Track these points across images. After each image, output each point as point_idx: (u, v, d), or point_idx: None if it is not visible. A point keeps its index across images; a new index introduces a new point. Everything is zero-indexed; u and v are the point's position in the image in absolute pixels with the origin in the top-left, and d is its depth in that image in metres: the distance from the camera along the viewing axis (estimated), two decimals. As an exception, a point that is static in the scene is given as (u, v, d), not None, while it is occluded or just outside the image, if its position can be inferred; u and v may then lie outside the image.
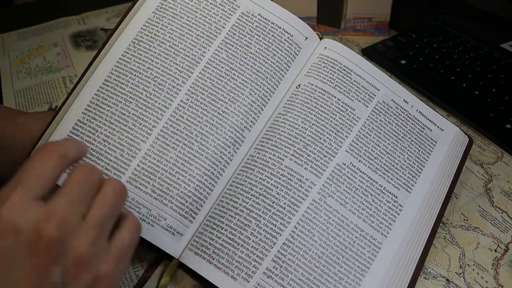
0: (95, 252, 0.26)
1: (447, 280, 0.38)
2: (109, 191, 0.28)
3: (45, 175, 0.26)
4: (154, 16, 0.41)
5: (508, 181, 0.47)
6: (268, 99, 0.41)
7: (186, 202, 0.37)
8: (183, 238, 0.37)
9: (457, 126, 0.45)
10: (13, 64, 0.65)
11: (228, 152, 0.39)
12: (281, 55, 0.42)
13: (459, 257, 0.40)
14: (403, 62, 0.62)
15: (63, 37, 0.71)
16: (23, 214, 0.24)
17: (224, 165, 0.38)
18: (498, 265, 0.39)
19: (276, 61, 0.41)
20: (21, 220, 0.24)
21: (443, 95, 0.56)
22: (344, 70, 0.42)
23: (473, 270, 0.39)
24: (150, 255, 0.40)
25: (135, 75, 0.39)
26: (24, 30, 0.73)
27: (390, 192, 0.39)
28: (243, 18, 0.42)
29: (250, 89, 0.40)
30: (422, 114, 0.43)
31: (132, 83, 0.39)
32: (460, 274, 0.39)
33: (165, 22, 0.41)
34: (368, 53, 0.65)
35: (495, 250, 0.40)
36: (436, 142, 0.43)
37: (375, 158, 0.39)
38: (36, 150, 0.26)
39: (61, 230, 0.24)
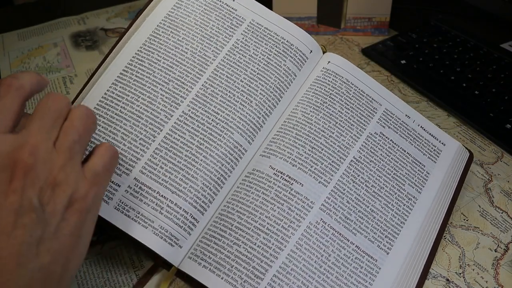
0: (67, 175, 0.27)
1: (447, 280, 0.38)
2: (76, 117, 0.29)
3: (6, 109, 0.28)
4: (159, 29, 0.41)
5: (508, 181, 0.47)
6: (270, 112, 0.41)
7: (187, 214, 0.37)
8: (184, 246, 0.36)
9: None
10: (13, 64, 0.65)
11: (229, 165, 0.39)
12: (287, 68, 0.42)
13: (459, 257, 0.40)
14: (403, 62, 0.62)
15: (63, 37, 0.71)
16: None
17: (225, 177, 0.39)
18: (498, 265, 0.39)
19: (283, 74, 0.42)
20: None
21: (443, 95, 0.56)
22: (347, 84, 0.43)
23: (473, 270, 0.39)
24: (147, 262, 0.39)
25: (138, 86, 0.39)
26: (24, 30, 0.72)
27: (391, 209, 0.39)
28: (248, 32, 0.42)
29: (258, 102, 0.40)
30: (424, 129, 0.44)
31: (135, 94, 0.39)
32: (460, 274, 0.39)
33: (170, 35, 0.41)
34: (368, 53, 0.65)
35: (495, 250, 0.40)
36: (438, 157, 0.43)
37: (377, 171, 0.40)
38: None
39: (34, 156, 0.26)
